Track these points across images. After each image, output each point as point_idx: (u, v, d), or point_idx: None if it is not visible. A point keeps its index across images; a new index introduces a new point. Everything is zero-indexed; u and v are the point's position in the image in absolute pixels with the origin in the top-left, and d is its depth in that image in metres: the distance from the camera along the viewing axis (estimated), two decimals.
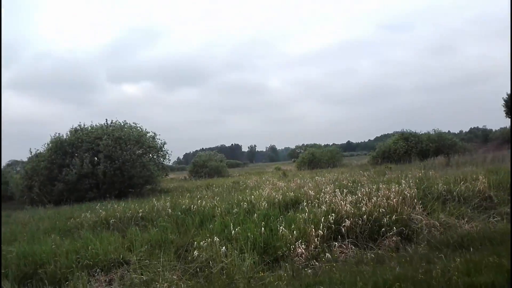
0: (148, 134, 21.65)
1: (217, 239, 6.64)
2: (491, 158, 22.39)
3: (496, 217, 7.60)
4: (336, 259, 6.41)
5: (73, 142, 19.17)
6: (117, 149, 18.33)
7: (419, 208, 8.18)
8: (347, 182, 12.15)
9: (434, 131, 34.65)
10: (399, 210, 7.92)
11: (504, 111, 27.85)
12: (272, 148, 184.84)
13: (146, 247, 7.06)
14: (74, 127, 20.44)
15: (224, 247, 6.48)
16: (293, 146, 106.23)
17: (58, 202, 17.30)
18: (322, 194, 9.22)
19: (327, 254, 6.52)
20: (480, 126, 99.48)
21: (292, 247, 6.53)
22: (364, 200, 8.11)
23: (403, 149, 31.84)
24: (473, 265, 5.02)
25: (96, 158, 18.52)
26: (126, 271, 6.25)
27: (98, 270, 6.29)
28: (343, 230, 7.07)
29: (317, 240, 6.69)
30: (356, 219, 7.41)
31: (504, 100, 27.23)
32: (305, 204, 8.62)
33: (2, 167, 18.07)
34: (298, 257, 6.40)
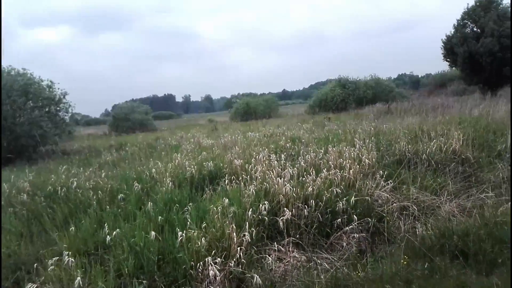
0: (44, 83, 17.38)
1: (70, 258, 3.81)
2: (431, 106, 21.38)
3: (486, 191, 5.50)
4: (271, 278, 3.96)
5: None
6: None
7: (381, 181, 5.88)
8: (285, 141, 9.64)
9: (372, 77, 33.48)
10: (357, 185, 5.58)
11: (442, 53, 26.82)
12: (208, 98, 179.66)
13: None
14: None
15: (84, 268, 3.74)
16: (229, 96, 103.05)
17: None
18: (253, 163, 6.58)
19: (256, 267, 4.06)
20: (407, 73, 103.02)
21: (201, 264, 3.91)
22: (310, 174, 5.60)
23: (340, 97, 30.31)
24: None
25: None
26: None
27: None
28: (281, 224, 4.58)
29: (240, 249, 4.12)
30: (300, 205, 4.94)
31: (443, 42, 26.05)
32: (226, 182, 5.92)
33: None
34: (209, 284, 3.83)
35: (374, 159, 6.41)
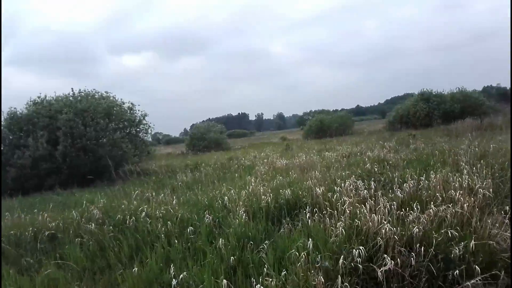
0: (125, 105, 18.11)
1: None
2: None
3: None
4: None
5: (29, 117, 15.69)
6: (79, 125, 14.86)
7: (503, 218, 4.63)
8: (371, 163, 8.53)
9: (459, 89, 30.54)
10: (473, 224, 4.41)
11: None
12: (280, 116, 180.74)
13: None
14: (32, 98, 16.88)
15: None
16: (301, 113, 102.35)
17: (15, 191, 14.11)
18: (337, 192, 5.65)
19: None
20: (494, 84, 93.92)
21: None
22: (412, 210, 4.52)
23: (424, 112, 27.97)
24: None
25: (56, 136, 15.07)
26: None
27: None
28: (379, 275, 3.63)
29: None
30: (403, 250, 3.94)
31: None
32: (307, 215, 5.04)
33: None
34: None
35: (491, 189, 5.14)
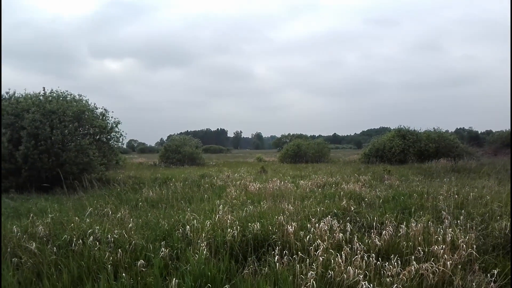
0: (98, 111, 17.29)
1: None
2: (503, 166, 18.88)
3: None
4: None
5: None
6: (46, 126, 13.98)
7: (484, 276, 4.28)
8: (346, 199, 8.14)
9: (434, 129, 31.10)
10: (455, 283, 4.03)
11: None
12: (258, 136, 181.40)
13: None
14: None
15: None
16: (278, 135, 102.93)
17: None
18: (311, 233, 5.18)
19: None
20: (466, 127, 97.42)
21: None
22: (392, 264, 4.09)
23: (400, 148, 28.22)
24: None
25: (19, 136, 14.11)
26: None
27: None
28: None
29: None
30: None
31: None
32: (276, 257, 4.51)
33: None
34: None
35: (473, 244, 4.79)
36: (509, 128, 42.76)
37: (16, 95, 16.20)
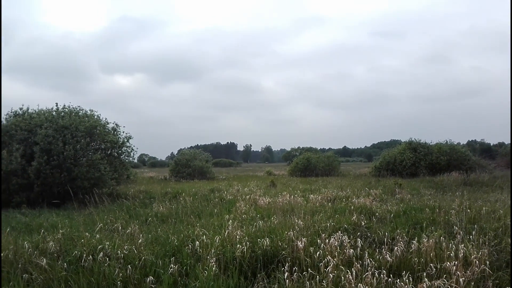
0: (109, 125, 17.51)
1: None
2: None
3: None
4: None
5: (7, 129, 14.96)
6: (58, 141, 14.19)
7: None
8: (357, 214, 8.07)
9: (446, 142, 30.78)
10: None
11: None
12: (268, 149, 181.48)
13: None
14: (13, 110, 16.18)
15: None
16: (288, 148, 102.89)
17: None
18: (322, 249, 5.15)
19: None
20: (478, 139, 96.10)
21: None
22: (404, 281, 4.03)
23: (411, 161, 27.94)
24: None
25: (32, 151, 14.33)
26: None
27: None
28: None
29: None
30: None
31: None
32: (285, 273, 4.47)
33: None
34: None
35: (486, 260, 4.70)
36: None
37: (29, 110, 16.52)
